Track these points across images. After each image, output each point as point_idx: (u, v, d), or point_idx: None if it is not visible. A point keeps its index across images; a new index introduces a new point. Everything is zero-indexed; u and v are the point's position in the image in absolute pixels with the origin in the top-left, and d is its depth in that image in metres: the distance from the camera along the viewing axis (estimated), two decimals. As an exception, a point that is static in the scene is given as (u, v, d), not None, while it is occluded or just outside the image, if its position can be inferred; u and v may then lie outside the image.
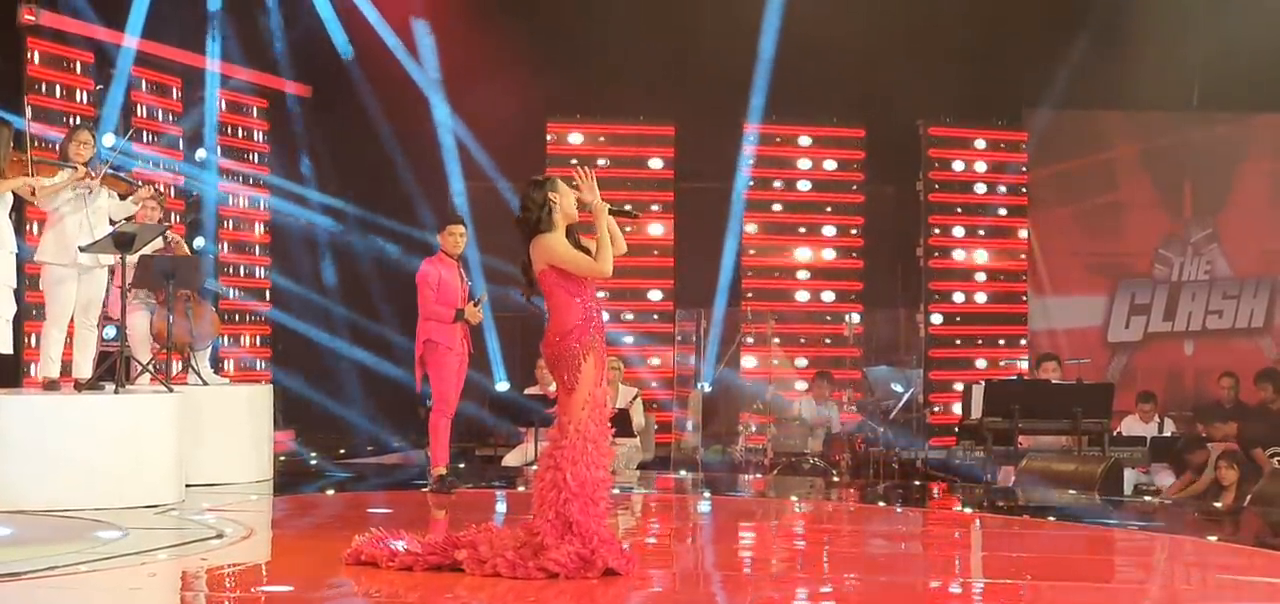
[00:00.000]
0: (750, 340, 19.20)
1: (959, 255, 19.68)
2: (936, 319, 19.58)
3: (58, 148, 12.30)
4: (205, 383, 13.39)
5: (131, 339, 12.91)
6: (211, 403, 13.06)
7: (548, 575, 7.97)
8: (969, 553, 10.88)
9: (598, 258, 7.98)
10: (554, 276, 8.03)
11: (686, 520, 12.41)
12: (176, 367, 13.30)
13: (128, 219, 12.24)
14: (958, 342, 19.65)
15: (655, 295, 19.10)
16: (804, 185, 19.56)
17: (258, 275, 18.88)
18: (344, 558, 8.56)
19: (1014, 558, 10.15)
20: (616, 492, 10.95)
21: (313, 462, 16.34)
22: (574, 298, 8.01)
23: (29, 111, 15.13)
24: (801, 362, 19.24)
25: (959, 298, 19.66)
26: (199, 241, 17.61)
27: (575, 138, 19.22)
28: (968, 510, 13.00)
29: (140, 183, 13.03)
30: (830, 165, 19.60)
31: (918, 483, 15.92)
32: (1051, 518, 12.10)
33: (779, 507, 13.35)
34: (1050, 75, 18.62)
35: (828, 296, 19.53)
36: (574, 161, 18.33)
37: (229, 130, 18.37)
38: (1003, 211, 19.81)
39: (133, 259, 12.31)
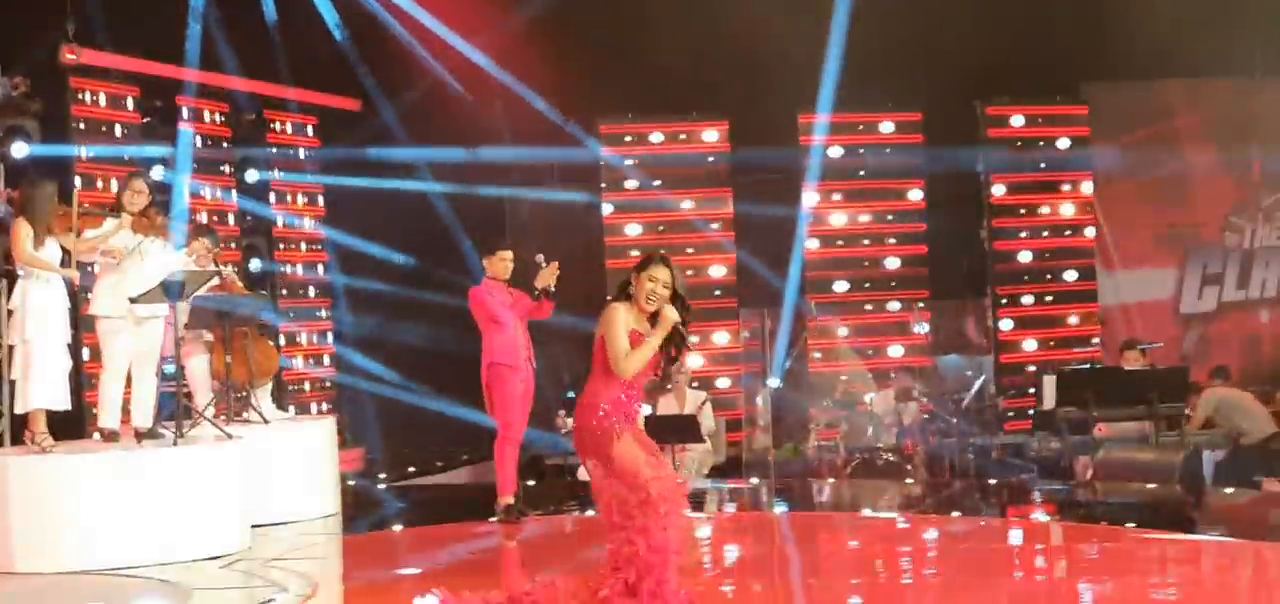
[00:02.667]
0: (817, 335, 18.89)
1: (1024, 235, 19.28)
2: (1004, 302, 19.20)
3: (115, 194, 12.07)
4: (266, 421, 13.24)
5: (191, 381, 12.81)
6: (275, 441, 12.90)
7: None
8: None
9: (629, 357, 7.65)
10: (601, 345, 7.78)
11: (763, 544, 12.19)
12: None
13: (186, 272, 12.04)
14: (1028, 324, 19.23)
15: (717, 293, 18.80)
16: (862, 173, 19.20)
17: (316, 295, 18.70)
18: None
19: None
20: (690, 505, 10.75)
21: (381, 486, 16.20)
22: (613, 377, 7.73)
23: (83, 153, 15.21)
24: (870, 353, 18.92)
25: (1026, 279, 19.26)
26: (255, 263, 17.51)
27: (629, 138, 18.99)
28: (1045, 519, 12.76)
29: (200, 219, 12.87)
30: (888, 151, 19.24)
31: (993, 482, 15.60)
32: (1130, 525, 11.82)
33: (855, 522, 13.13)
34: (1108, 47, 18.21)
35: (893, 285, 19.16)
36: (630, 162, 18.44)
37: (279, 151, 18.22)
38: (1066, 187, 19.40)
39: (185, 305, 12.16)
